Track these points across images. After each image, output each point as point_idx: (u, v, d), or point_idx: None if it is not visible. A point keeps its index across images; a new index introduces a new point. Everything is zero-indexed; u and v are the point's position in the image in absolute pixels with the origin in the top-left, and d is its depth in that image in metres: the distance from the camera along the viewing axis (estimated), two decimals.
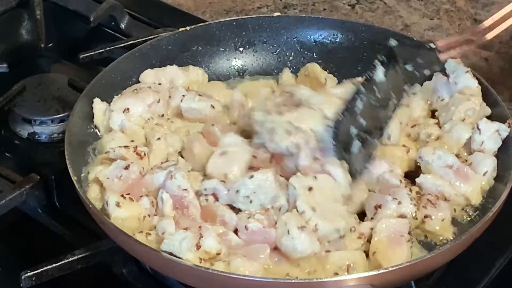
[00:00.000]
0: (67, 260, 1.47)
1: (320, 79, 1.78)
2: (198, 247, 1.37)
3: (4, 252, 1.61)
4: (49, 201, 1.68)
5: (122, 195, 1.46)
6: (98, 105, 1.65)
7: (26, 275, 1.44)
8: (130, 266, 1.54)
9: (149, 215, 1.46)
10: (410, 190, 1.48)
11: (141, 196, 1.47)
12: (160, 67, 1.77)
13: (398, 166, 1.56)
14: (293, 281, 1.34)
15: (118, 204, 1.44)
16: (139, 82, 1.73)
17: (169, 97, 1.70)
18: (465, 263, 1.52)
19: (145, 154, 1.55)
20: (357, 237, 1.44)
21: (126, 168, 1.49)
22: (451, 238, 1.46)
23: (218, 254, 1.39)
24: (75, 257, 1.48)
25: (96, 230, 1.50)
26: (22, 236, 1.65)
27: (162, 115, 1.68)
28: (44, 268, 1.45)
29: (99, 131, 1.65)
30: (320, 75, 1.79)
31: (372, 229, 1.44)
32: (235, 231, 1.44)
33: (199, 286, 1.40)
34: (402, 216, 1.44)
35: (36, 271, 1.45)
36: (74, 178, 1.48)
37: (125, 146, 1.54)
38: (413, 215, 1.45)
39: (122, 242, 1.43)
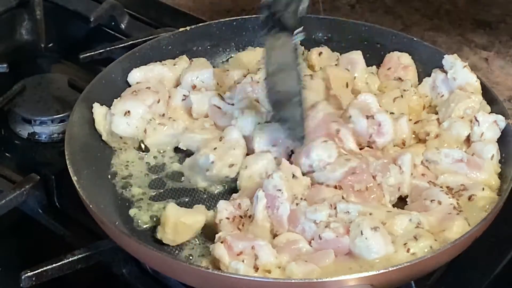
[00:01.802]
0: (67, 260, 1.47)
1: (314, 67, 1.80)
2: (257, 268, 1.36)
3: (4, 252, 1.61)
4: (49, 201, 1.68)
5: None
6: (98, 109, 1.65)
7: (26, 275, 1.44)
8: (130, 266, 1.54)
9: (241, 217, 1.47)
10: (440, 187, 1.49)
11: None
12: None
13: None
14: (293, 281, 1.34)
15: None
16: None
17: (169, 97, 1.70)
18: (465, 263, 1.52)
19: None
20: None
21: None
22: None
23: (279, 267, 1.38)
24: (75, 257, 1.48)
25: (96, 230, 1.50)
26: (22, 236, 1.65)
27: (163, 115, 1.68)
28: (44, 268, 1.45)
29: (101, 135, 1.65)
30: (314, 63, 1.80)
31: None
32: (310, 241, 1.43)
33: (199, 286, 1.40)
34: (449, 213, 1.45)
35: (36, 271, 1.45)
36: (74, 178, 1.48)
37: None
38: (457, 206, 1.46)
39: (122, 242, 1.43)
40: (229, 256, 1.37)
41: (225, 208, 1.47)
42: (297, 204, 1.46)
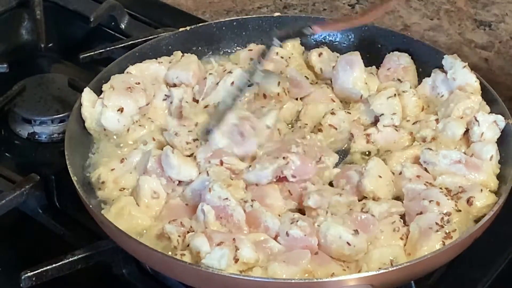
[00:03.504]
0: (67, 260, 1.47)
1: (315, 68, 1.79)
2: (236, 260, 1.35)
3: (4, 252, 1.61)
4: (49, 201, 1.68)
5: None
6: (88, 95, 1.63)
7: (26, 275, 1.44)
8: (130, 266, 1.54)
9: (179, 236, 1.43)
10: (440, 188, 1.49)
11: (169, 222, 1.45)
12: None
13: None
14: (293, 281, 1.34)
15: None
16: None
17: (153, 95, 1.69)
18: (465, 263, 1.52)
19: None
20: (399, 237, 1.43)
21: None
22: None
23: (256, 262, 1.38)
24: (75, 257, 1.48)
25: (96, 230, 1.50)
26: (22, 236, 1.65)
27: (144, 115, 1.67)
28: (44, 268, 1.45)
29: (84, 122, 1.62)
30: (314, 64, 1.79)
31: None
32: (276, 237, 1.43)
33: (199, 286, 1.40)
34: (447, 214, 1.44)
35: (36, 271, 1.45)
36: (74, 178, 1.48)
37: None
38: (456, 208, 1.45)
39: (122, 242, 1.43)
40: (210, 246, 1.37)
41: (172, 230, 1.43)
42: (251, 206, 1.46)
